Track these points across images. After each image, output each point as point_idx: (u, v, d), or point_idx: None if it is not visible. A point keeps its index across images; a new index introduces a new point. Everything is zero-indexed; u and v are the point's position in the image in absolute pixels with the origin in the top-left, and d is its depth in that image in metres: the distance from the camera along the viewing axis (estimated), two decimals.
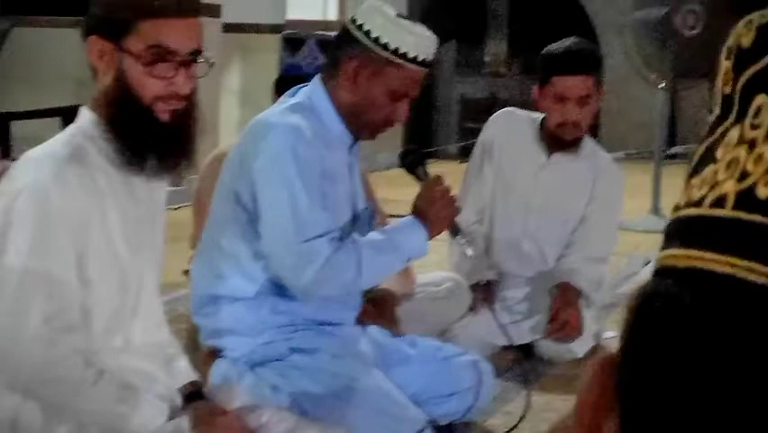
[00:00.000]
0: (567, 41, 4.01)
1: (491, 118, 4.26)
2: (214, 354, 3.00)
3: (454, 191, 3.07)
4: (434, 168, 3.27)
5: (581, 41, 4.05)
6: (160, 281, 2.58)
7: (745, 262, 0.54)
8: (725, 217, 0.56)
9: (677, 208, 0.61)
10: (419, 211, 2.97)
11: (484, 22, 13.78)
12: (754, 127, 0.58)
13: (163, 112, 2.31)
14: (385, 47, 2.88)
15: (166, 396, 2.42)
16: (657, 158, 7.77)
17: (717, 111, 0.62)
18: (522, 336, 3.97)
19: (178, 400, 2.46)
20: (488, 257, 4.10)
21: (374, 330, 3.17)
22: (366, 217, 3.09)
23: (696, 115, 11.08)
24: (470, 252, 3.11)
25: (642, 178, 7.71)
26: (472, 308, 3.95)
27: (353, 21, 2.94)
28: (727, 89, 0.61)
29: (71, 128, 2.37)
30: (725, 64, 0.62)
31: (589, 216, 4.09)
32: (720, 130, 0.60)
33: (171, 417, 2.39)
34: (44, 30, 8.50)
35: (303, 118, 2.87)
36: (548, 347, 3.99)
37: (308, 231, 2.79)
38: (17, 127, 7.50)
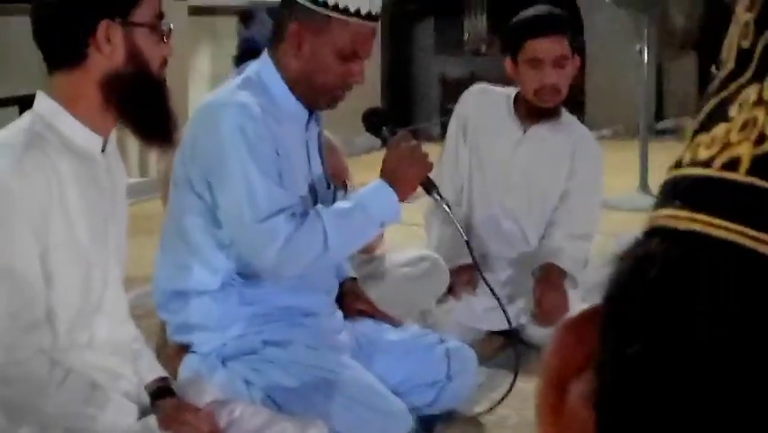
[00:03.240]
0: (533, 9, 3.98)
1: (464, 94, 4.18)
2: (184, 349, 2.91)
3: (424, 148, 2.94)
4: None
5: (548, 6, 4.03)
6: (132, 275, 2.48)
7: (755, 232, 0.50)
8: (737, 182, 0.52)
9: (678, 166, 0.56)
10: (387, 172, 2.85)
11: None
12: None
13: (162, 78, 2.34)
14: (324, 4, 2.78)
15: (132, 393, 2.35)
16: (643, 134, 7.67)
17: (730, 65, 0.57)
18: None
19: (146, 398, 2.39)
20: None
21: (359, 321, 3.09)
22: (328, 196, 2.95)
23: (683, 90, 10.99)
24: (446, 208, 2.99)
25: (629, 155, 7.65)
26: (451, 291, 3.82)
27: None
28: (746, 44, 0.56)
29: (29, 115, 2.28)
30: (744, 16, 0.57)
31: (570, 191, 3.99)
32: (734, 86, 0.55)
33: (140, 415, 2.31)
34: (5, 18, 8.35)
35: (251, 95, 2.77)
36: (534, 332, 3.86)
37: (265, 210, 2.68)
38: None
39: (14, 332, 2.14)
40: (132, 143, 7.89)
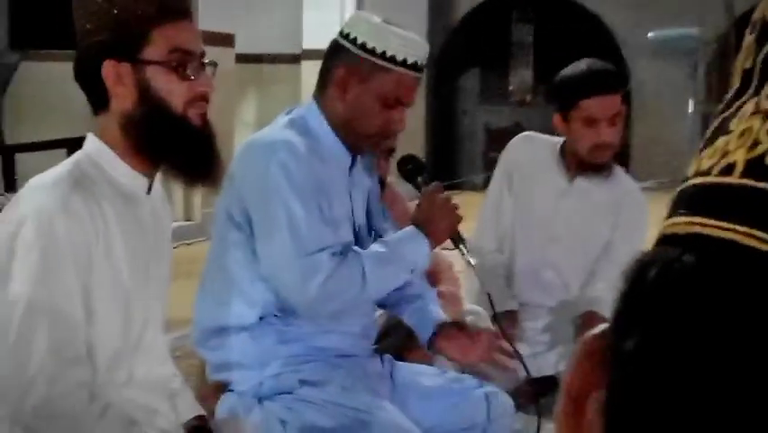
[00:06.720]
0: (582, 64, 3.85)
1: (510, 143, 4.16)
2: (222, 387, 2.92)
3: (455, 200, 2.98)
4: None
5: (600, 62, 3.90)
6: (174, 316, 2.50)
7: (746, 229, 0.53)
8: (731, 184, 0.55)
9: (685, 180, 0.60)
10: (420, 221, 2.89)
11: (509, 50, 13.71)
12: None
13: (195, 117, 2.28)
14: (372, 51, 2.81)
15: (169, 431, 2.36)
16: None
17: (735, 86, 0.60)
18: (545, 367, 3.82)
19: None
20: (509, 286, 3.96)
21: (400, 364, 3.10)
22: (368, 244, 2.97)
23: None
24: (473, 261, 3.00)
25: None
26: None
27: (341, 32, 2.89)
28: (748, 64, 0.59)
29: (77, 155, 2.31)
30: (748, 39, 0.60)
31: (614, 242, 3.96)
32: (737, 104, 0.59)
33: None
34: (52, 63, 8.50)
35: (296, 134, 2.80)
36: None
37: (309, 245, 2.71)
38: (23, 160, 7.47)
39: (56, 367, 2.16)
40: (178, 187, 7.94)
